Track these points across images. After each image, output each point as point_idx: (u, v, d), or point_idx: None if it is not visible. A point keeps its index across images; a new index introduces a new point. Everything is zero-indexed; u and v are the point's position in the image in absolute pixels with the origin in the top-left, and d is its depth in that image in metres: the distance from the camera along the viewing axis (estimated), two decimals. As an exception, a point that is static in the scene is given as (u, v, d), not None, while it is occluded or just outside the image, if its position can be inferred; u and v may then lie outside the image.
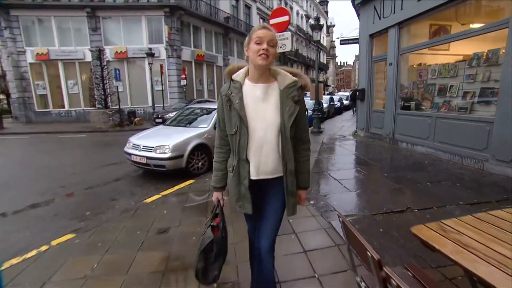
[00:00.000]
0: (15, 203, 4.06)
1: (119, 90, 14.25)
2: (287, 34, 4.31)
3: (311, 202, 3.57)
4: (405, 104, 6.91)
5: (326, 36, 49.33)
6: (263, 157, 1.46)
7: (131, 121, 14.43)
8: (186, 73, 16.86)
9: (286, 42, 4.35)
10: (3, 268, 2.37)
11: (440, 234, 1.36)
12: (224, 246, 1.69)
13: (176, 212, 3.46)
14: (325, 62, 49.05)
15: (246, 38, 1.46)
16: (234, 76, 1.50)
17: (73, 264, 2.44)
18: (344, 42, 20.77)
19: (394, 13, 6.70)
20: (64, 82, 17.29)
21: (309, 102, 12.17)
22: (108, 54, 15.66)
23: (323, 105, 14.74)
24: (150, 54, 14.64)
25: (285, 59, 5.33)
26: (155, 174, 5.15)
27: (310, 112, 11.18)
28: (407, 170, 4.93)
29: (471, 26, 5.40)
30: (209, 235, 1.63)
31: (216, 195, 1.65)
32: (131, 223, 3.21)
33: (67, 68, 17.21)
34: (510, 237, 1.30)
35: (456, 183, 4.12)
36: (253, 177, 1.48)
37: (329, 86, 54.42)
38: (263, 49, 1.35)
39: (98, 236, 2.94)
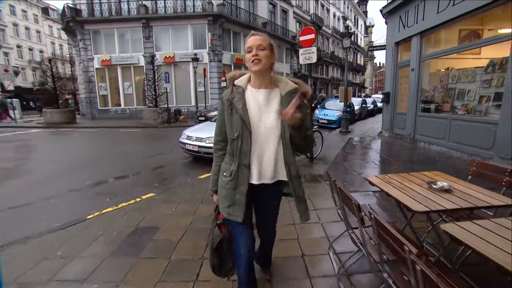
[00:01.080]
0: (102, 176, 5.57)
1: (167, 91, 16.17)
2: (313, 48, 5.30)
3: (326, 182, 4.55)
4: (425, 106, 7.48)
5: (365, 36, 48.37)
6: (265, 162, 1.50)
7: (177, 119, 16.24)
8: (226, 75, 18.42)
9: (312, 55, 5.35)
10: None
11: (384, 181, 2.33)
12: (232, 241, 1.72)
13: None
14: (362, 63, 48.16)
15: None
16: (237, 82, 1.54)
17: (159, 208, 3.74)
18: (372, 48, 20.92)
19: (417, 23, 7.31)
20: (121, 84, 19.88)
21: (338, 104, 12.92)
22: (159, 58, 17.76)
23: (354, 107, 15.29)
24: (195, 59, 16.39)
25: (311, 67, 5.94)
26: (204, 160, 6.44)
27: (339, 113, 11.93)
28: (416, 164, 5.64)
29: (484, 37, 5.92)
30: (217, 234, 1.71)
31: (216, 197, 1.70)
32: (191, 190, 4.48)
33: (124, 71, 19.77)
34: (421, 181, 2.23)
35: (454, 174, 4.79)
36: (254, 182, 1.52)
37: (366, 88, 53.18)
38: (253, 55, 1.42)
39: (170, 196, 4.24)
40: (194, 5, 18.72)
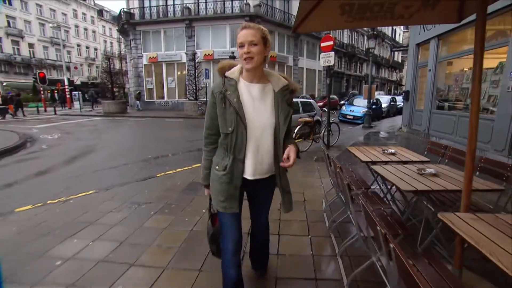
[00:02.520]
0: (159, 153, 7.14)
1: (207, 85, 17.87)
2: (332, 53, 6.33)
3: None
4: (440, 104, 8.09)
5: (404, 32, 46.57)
6: (259, 157, 1.49)
7: (213, 111, 17.96)
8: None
9: (330, 59, 6.38)
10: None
11: (358, 150, 3.43)
12: None
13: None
14: (400, 60, 46.52)
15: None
16: (229, 74, 1.47)
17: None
18: (395, 49, 20.88)
19: (435, 26, 7.92)
20: (165, 78, 22.12)
21: (365, 101, 13.55)
22: (199, 56, 19.56)
23: (381, 105, 15.74)
24: (233, 57, 17.85)
25: (330, 71, 6.49)
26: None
27: (365, 110, 12.60)
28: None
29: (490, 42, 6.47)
30: (210, 227, 1.77)
31: (208, 191, 1.70)
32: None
33: (168, 67, 21.95)
34: (380, 149, 3.31)
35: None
36: (249, 177, 1.51)
37: (403, 85, 51.18)
38: (245, 53, 1.35)
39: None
40: (232, 6, 20.18)
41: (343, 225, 2.87)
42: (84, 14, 43.07)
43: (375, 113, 14.13)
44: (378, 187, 3.42)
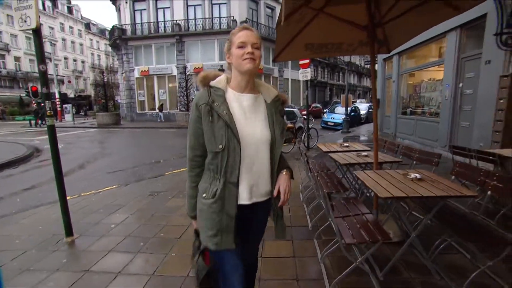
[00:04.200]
0: (162, 157, 8.09)
1: (197, 97, 18.90)
2: (308, 69, 7.59)
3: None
4: (403, 110, 9.45)
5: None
6: (255, 177, 1.29)
7: (204, 121, 18.97)
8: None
9: (307, 74, 7.65)
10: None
11: (326, 146, 4.54)
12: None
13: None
14: (380, 69, 49.15)
15: (226, 44, 1.31)
16: (215, 83, 1.29)
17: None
18: (367, 62, 22.94)
19: (396, 45, 9.33)
20: (156, 91, 23.02)
21: (342, 109, 14.90)
22: (190, 69, 20.65)
23: (359, 112, 17.20)
24: (221, 70, 19.00)
25: (307, 84, 7.61)
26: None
27: (343, 116, 13.92)
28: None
29: (433, 59, 7.88)
30: (202, 266, 1.36)
31: (195, 224, 1.41)
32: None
33: (159, 80, 22.91)
34: (339, 143, 4.43)
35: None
36: (245, 202, 1.28)
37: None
38: (248, 53, 1.22)
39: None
40: (220, 23, 21.52)
41: (325, 229, 2.93)
42: (71, 27, 43.59)
43: (354, 119, 15.53)
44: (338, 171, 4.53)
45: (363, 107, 18.58)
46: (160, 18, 22.25)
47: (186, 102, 19.21)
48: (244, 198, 1.29)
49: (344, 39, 3.38)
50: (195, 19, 21.66)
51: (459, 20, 5.94)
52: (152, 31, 22.06)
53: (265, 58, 24.23)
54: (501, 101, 5.25)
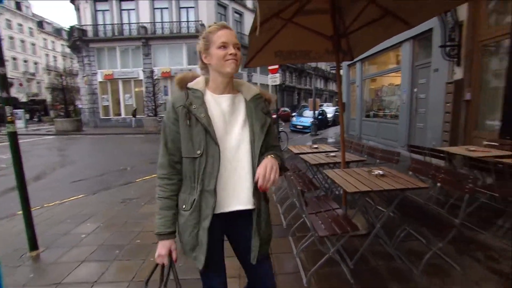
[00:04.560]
0: (129, 164, 7.83)
1: (166, 102, 18.49)
2: (277, 75, 7.86)
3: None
4: (367, 113, 10.11)
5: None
6: (237, 183, 1.19)
7: (174, 126, 18.54)
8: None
9: (276, 79, 7.91)
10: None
11: (296, 148, 4.75)
12: None
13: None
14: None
15: (201, 43, 1.22)
16: (193, 84, 1.23)
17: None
18: (332, 68, 24.42)
19: (358, 53, 10.00)
20: (122, 95, 22.09)
21: (310, 112, 15.48)
22: (157, 73, 20.12)
23: (327, 115, 17.97)
24: (190, 75, 18.85)
25: (276, 88, 8.01)
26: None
27: (312, 120, 14.47)
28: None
29: (391, 66, 8.59)
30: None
31: (167, 247, 1.18)
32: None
33: (125, 84, 22.01)
34: (308, 145, 4.67)
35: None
36: (225, 209, 1.19)
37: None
38: (231, 54, 1.15)
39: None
40: (188, 27, 21.30)
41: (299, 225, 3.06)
42: (20, 25, 40.04)
43: (322, 122, 16.21)
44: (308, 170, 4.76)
45: (330, 110, 19.45)
46: (125, 20, 21.45)
47: (154, 107, 18.66)
48: (223, 206, 1.18)
49: (312, 47, 3.61)
50: (162, 22, 21.22)
51: (412, 32, 6.55)
52: (116, 33, 21.19)
53: (234, 63, 24.38)
54: (448, 104, 5.88)
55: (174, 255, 1.19)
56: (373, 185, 2.20)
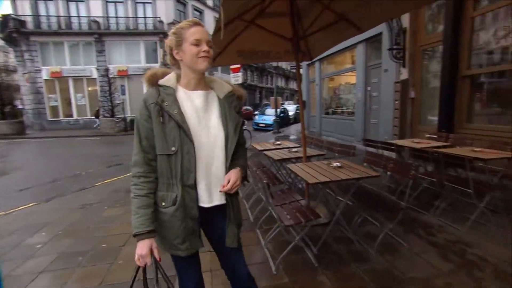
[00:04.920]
0: (85, 169, 7.37)
1: (123, 102, 17.55)
2: (239, 73, 7.98)
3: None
4: (326, 111, 10.68)
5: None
6: (214, 179, 1.23)
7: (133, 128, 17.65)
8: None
9: (238, 78, 8.03)
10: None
11: (259, 145, 4.90)
12: None
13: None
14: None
15: (171, 38, 1.21)
16: (164, 81, 1.23)
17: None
18: (292, 67, 25.64)
19: (316, 53, 10.50)
20: (73, 95, 20.41)
21: (272, 110, 15.82)
22: (112, 71, 18.97)
23: (288, 113, 18.53)
24: (149, 73, 18.07)
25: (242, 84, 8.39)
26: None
27: (274, 118, 14.82)
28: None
29: (348, 66, 9.20)
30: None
31: (148, 246, 1.14)
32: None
33: (76, 83, 20.37)
34: (272, 142, 4.86)
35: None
36: (205, 205, 1.22)
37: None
38: (204, 51, 1.17)
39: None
40: (145, 23, 20.38)
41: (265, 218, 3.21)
42: None
43: (283, 120, 16.67)
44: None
45: (291, 108, 20.07)
46: (73, 13, 19.80)
47: (110, 107, 17.59)
48: (204, 201, 1.23)
49: (273, 47, 3.77)
50: (116, 17, 20.00)
51: (365, 35, 7.09)
52: (64, 27, 19.47)
53: (195, 61, 23.90)
54: (396, 102, 6.49)
55: (156, 254, 1.17)
56: (331, 176, 2.41)
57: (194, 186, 1.19)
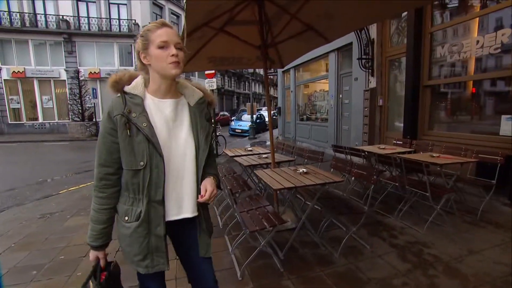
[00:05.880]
0: (50, 176, 6.97)
1: (95, 105, 16.81)
2: (214, 79, 7.97)
3: (224, 165, 7.07)
4: (301, 117, 10.91)
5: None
6: (185, 191, 1.18)
7: (105, 132, 16.92)
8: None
9: (213, 84, 8.01)
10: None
11: (231, 152, 4.90)
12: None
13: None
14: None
15: (138, 41, 1.13)
16: (130, 89, 1.13)
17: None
18: (269, 74, 26.11)
19: (291, 60, 10.74)
20: (38, 97, 19.27)
21: (248, 116, 15.89)
22: (83, 73, 18.17)
23: (264, 119, 18.72)
24: (123, 76, 17.50)
25: (214, 93, 8.16)
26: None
27: (250, 123, 14.89)
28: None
29: (321, 73, 9.50)
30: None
31: (94, 256, 1.19)
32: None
33: (42, 85, 19.26)
34: (244, 148, 4.88)
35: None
36: (174, 218, 1.18)
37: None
38: (172, 55, 1.08)
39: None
40: (119, 25, 19.81)
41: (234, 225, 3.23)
42: None
43: (260, 126, 16.81)
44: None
45: (267, 114, 20.24)
46: (39, 10, 18.74)
47: (80, 111, 16.81)
48: (173, 214, 1.17)
49: (244, 54, 3.81)
50: (88, 17, 19.24)
51: (336, 44, 7.38)
52: (28, 24, 18.35)
53: (172, 65, 23.45)
54: (366, 109, 6.78)
55: (102, 263, 1.21)
56: (296, 181, 2.46)
57: (162, 202, 1.13)
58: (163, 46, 1.09)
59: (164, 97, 1.17)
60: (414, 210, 3.48)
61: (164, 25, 1.12)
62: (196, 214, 1.22)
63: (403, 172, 3.46)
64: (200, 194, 1.16)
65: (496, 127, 4.22)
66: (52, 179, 6.49)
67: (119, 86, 1.14)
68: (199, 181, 1.20)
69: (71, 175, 6.87)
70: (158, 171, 1.10)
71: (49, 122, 19.41)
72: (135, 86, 1.14)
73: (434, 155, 3.66)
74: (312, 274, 2.32)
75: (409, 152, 4.48)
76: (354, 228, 2.60)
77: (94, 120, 16.69)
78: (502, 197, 3.74)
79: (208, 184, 1.18)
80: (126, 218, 1.14)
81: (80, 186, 5.58)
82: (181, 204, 1.19)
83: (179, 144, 1.16)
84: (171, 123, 1.16)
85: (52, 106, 19.54)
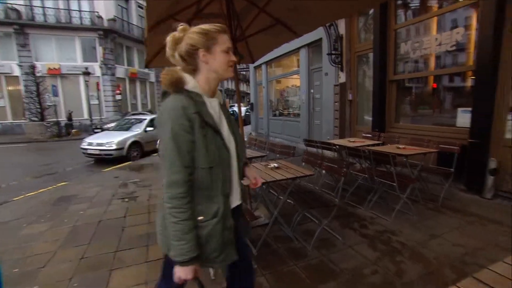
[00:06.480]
0: (4, 182, 6.41)
1: (55, 104, 15.68)
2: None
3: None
4: (273, 112, 10.97)
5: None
6: (236, 183, 1.26)
7: (68, 133, 15.82)
8: (120, 89, 19.04)
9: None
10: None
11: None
12: None
13: (122, 172, 6.44)
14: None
15: (198, 38, 1.12)
16: (192, 87, 1.14)
17: (75, 187, 5.27)
18: (241, 69, 26.21)
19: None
20: (-13, 95, 17.56)
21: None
22: (41, 69, 16.83)
23: (237, 115, 18.62)
24: (87, 73, 16.47)
25: None
26: (105, 161, 7.87)
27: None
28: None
29: (293, 69, 9.61)
30: None
31: (193, 271, 1.10)
32: (99, 177, 6.09)
33: (-8, 81, 17.58)
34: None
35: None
36: (232, 205, 1.23)
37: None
38: (233, 61, 1.18)
39: (87, 179, 5.75)
40: (81, 17, 18.55)
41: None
42: None
43: (234, 122, 16.67)
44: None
45: (241, 110, 20.19)
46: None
47: (38, 110, 15.57)
48: (232, 204, 1.24)
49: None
50: (43, 7, 17.69)
51: (306, 40, 7.47)
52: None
53: (139, 62, 22.55)
54: (336, 103, 6.95)
55: (199, 274, 1.15)
56: (268, 177, 2.44)
57: (229, 195, 1.20)
58: (227, 51, 1.17)
59: (213, 96, 1.23)
60: (383, 200, 3.62)
61: (226, 31, 1.19)
62: (241, 201, 1.32)
63: (372, 164, 3.59)
64: (242, 181, 1.34)
65: (454, 119, 4.52)
66: (7, 185, 5.96)
67: (179, 85, 1.12)
68: (241, 170, 1.31)
69: (29, 180, 6.36)
70: (228, 167, 1.19)
71: (2, 123, 17.79)
72: (195, 86, 1.16)
73: (400, 146, 3.83)
74: (285, 268, 2.32)
75: (378, 145, 4.66)
76: (326, 220, 2.64)
77: (55, 119, 15.56)
78: (459, 183, 4.02)
79: (254, 172, 1.40)
80: (201, 217, 1.12)
81: (40, 191, 5.16)
82: (235, 193, 1.26)
83: (230, 139, 1.24)
84: (219, 121, 1.20)
85: (4, 105, 17.90)
